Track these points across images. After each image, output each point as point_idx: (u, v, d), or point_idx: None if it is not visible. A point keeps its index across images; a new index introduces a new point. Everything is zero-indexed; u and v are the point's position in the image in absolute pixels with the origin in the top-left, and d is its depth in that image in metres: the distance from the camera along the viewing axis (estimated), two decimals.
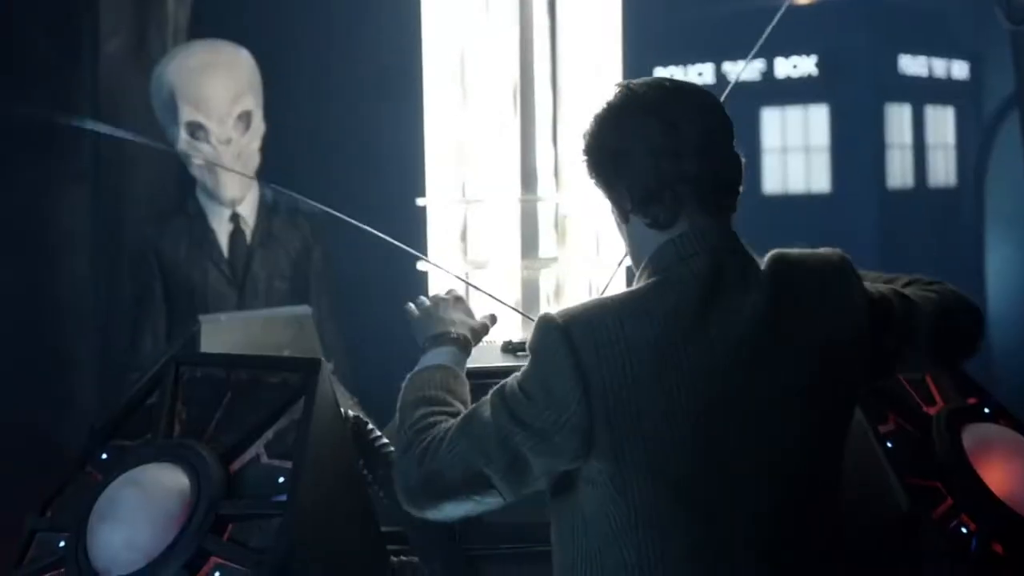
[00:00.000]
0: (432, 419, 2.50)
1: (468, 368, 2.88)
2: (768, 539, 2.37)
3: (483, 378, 2.99)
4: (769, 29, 3.37)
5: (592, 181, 2.51)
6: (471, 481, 2.40)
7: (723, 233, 2.44)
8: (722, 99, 2.57)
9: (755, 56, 3.17)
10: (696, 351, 2.32)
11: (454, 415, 2.52)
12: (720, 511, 2.33)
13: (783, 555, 2.38)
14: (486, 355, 3.13)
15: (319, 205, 3.42)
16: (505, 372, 2.97)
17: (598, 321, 2.33)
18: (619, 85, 2.49)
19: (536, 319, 2.40)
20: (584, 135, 2.50)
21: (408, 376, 2.67)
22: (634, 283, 2.46)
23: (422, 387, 2.61)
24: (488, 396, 2.44)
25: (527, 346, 2.41)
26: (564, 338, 2.33)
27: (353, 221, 3.36)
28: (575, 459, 2.34)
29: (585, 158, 2.50)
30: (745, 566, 2.35)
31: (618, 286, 3.72)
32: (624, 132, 2.43)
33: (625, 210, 2.46)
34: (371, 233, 3.36)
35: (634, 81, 2.49)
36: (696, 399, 2.31)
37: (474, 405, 2.47)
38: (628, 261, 3.55)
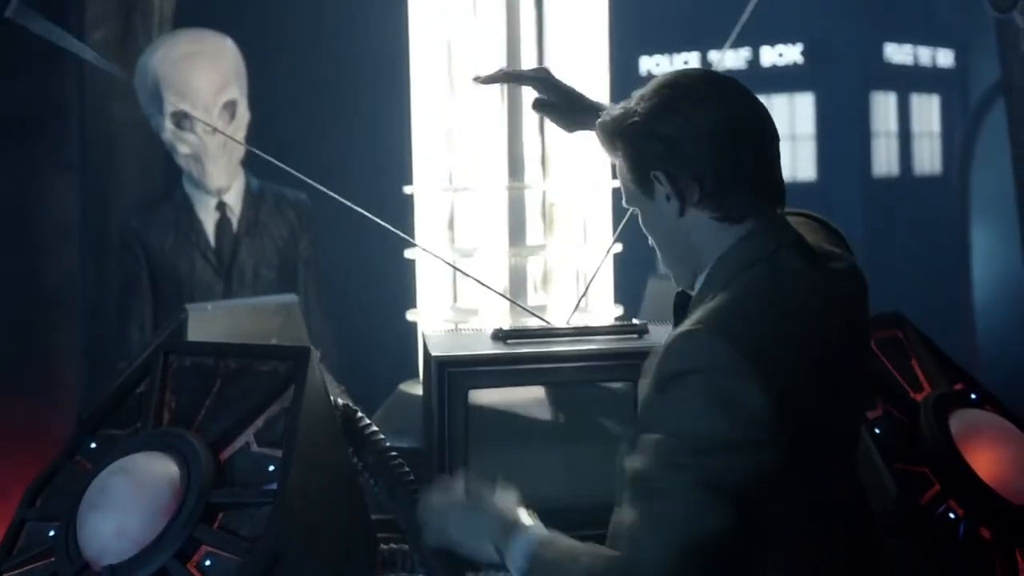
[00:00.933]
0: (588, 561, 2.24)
1: (461, 355, 2.90)
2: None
3: (475, 365, 3.00)
4: (746, 15, 3.38)
5: (637, 171, 2.39)
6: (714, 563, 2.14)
7: (788, 227, 2.39)
8: None
9: (740, 44, 3.17)
10: (826, 345, 2.28)
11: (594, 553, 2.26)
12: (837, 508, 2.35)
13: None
14: (476, 343, 3.14)
15: (316, 184, 3.42)
16: (497, 359, 2.98)
17: (752, 328, 2.20)
18: (675, 73, 2.40)
19: (678, 338, 2.21)
20: (636, 123, 2.37)
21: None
22: (707, 282, 2.34)
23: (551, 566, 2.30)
24: (646, 484, 2.17)
25: (674, 371, 2.19)
26: (735, 349, 2.16)
27: (347, 202, 3.36)
28: (777, 473, 2.16)
29: (638, 145, 2.37)
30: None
31: (606, 273, 3.73)
32: (694, 119, 2.32)
33: (689, 202, 2.34)
34: (360, 218, 3.36)
35: (687, 70, 2.43)
36: (843, 392, 2.31)
37: (630, 517, 2.18)
38: (617, 248, 3.58)
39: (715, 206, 2.33)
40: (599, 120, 2.48)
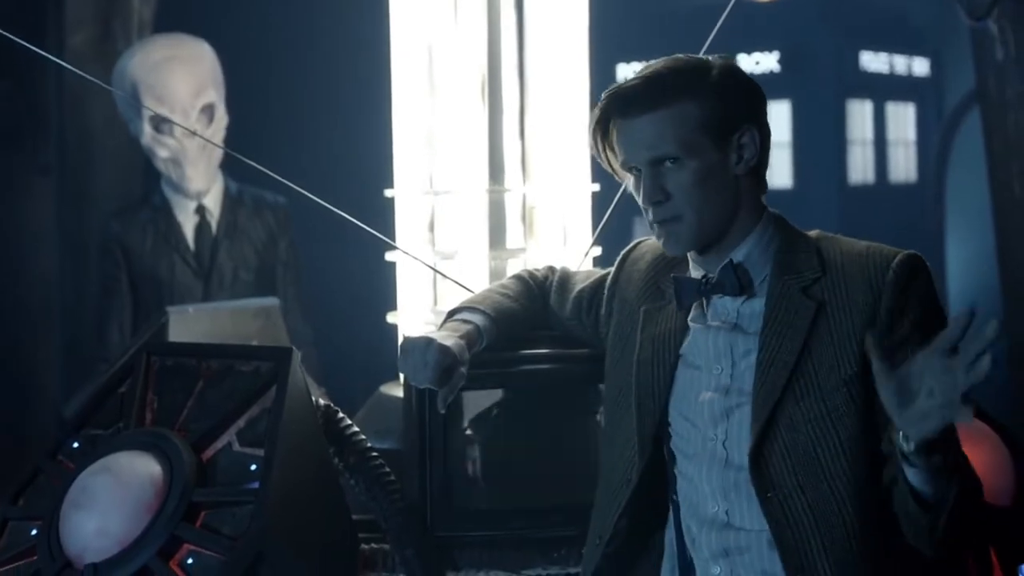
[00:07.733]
0: None
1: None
2: None
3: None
4: (720, 23, 3.41)
5: (722, 119, 2.57)
6: None
7: None
8: None
9: (716, 52, 3.20)
10: None
11: None
12: None
13: None
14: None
15: (297, 187, 3.43)
16: (474, 361, 2.99)
17: None
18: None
19: (907, 258, 2.58)
20: (728, 72, 2.59)
21: None
22: (788, 239, 2.66)
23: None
24: None
25: (919, 288, 2.56)
26: None
27: (327, 205, 3.37)
28: None
29: (731, 94, 2.59)
30: None
31: None
32: (760, 93, 2.63)
33: (751, 162, 2.60)
34: (341, 221, 3.37)
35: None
36: None
37: None
38: (596, 251, 3.60)
39: (762, 173, 2.64)
40: (667, 67, 2.63)
